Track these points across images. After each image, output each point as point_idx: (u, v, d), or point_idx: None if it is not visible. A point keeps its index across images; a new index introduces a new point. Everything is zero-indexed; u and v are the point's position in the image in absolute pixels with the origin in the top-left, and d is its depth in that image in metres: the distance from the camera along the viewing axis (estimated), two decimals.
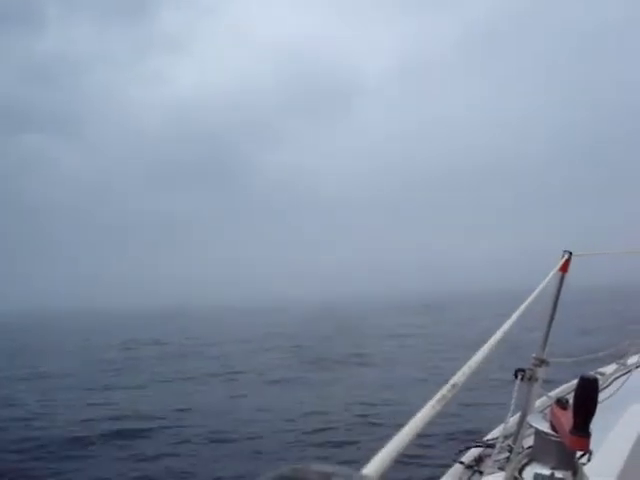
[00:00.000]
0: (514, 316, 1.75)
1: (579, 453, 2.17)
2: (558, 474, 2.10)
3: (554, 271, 2.86)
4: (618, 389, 3.74)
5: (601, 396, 3.55)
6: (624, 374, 4.13)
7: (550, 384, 3.55)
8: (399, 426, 0.75)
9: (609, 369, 4.36)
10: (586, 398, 2.02)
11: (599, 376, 4.12)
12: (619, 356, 4.35)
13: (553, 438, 2.13)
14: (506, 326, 1.55)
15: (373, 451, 0.66)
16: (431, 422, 0.83)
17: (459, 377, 1.05)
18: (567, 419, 2.06)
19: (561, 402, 2.20)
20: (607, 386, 3.94)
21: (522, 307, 1.89)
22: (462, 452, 3.09)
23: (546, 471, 2.12)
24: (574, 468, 2.12)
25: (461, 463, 2.96)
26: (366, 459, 0.64)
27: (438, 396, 0.92)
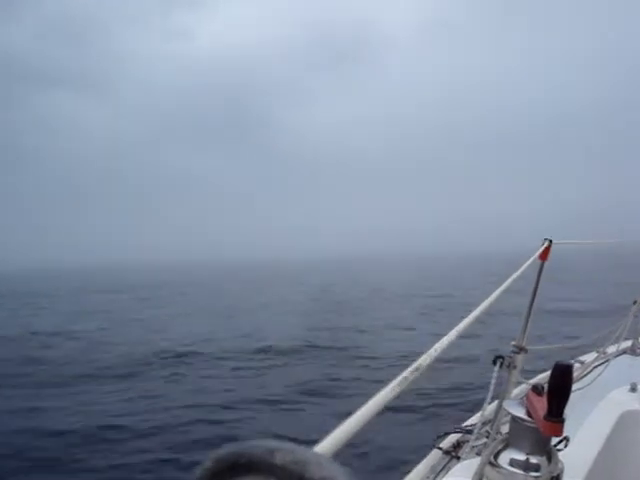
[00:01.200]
0: (486, 302, 1.74)
1: (557, 439, 2.19)
2: (533, 459, 2.12)
3: (533, 258, 2.87)
4: (597, 377, 3.77)
5: (580, 384, 3.59)
6: (603, 362, 4.16)
7: (529, 372, 3.57)
8: (356, 405, 0.75)
9: (589, 357, 4.39)
10: (560, 384, 2.03)
11: (579, 364, 4.15)
12: (599, 345, 4.37)
13: (528, 424, 2.15)
14: (476, 312, 1.54)
15: (328, 429, 0.66)
16: (389, 404, 0.83)
17: (424, 359, 1.04)
18: (542, 405, 2.08)
19: (536, 388, 2.22)
20: (586, 374, 3.97)
21: (495, 293, 1.89)
22: (440, 438, 3.11)
23: (521, 456, 2.14)
24: (549, 453, 2.13)
25: (439, 449, 2.98)
26: (321, 437, 0.64)
27: (400, 378, 0.91)
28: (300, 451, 0.53)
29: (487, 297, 1.88)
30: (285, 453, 0.53)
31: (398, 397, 0.86)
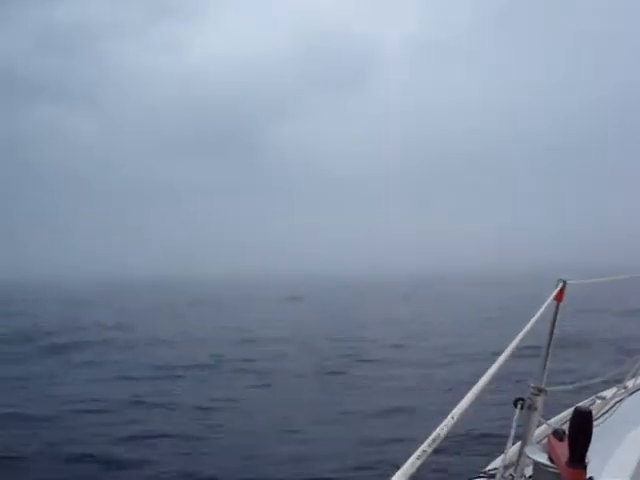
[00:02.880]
0: (503, 356, 1.76)
1: None
2: None
3: (549, 300, 2.89)
4: (618, 413, 3.74)
5: (601, 421, 3.56)
6: (624, 398, 4.13)
7: (551, 410, 3.55)
8: None
9: (609, 393, 4.35)
10: (580, 430, 2.04)
11: (600, 400, 4.11)
12: (619, 379, 4.34)
13: (551, 469, 2.15)
14: (493, 369, 1.55)
15: None
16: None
17: (441, 429, 1.05)
18: (563, 450, 2.08)
19: (558, 433, 2.22)
20: (608, 410, 3.93)
21: (512, 344, 1.90)
22: None
23: None
24: None
25: None
26: None
27: (418, 452, 0.92)
28: None
29: (508, 346, 1.90)
30: None
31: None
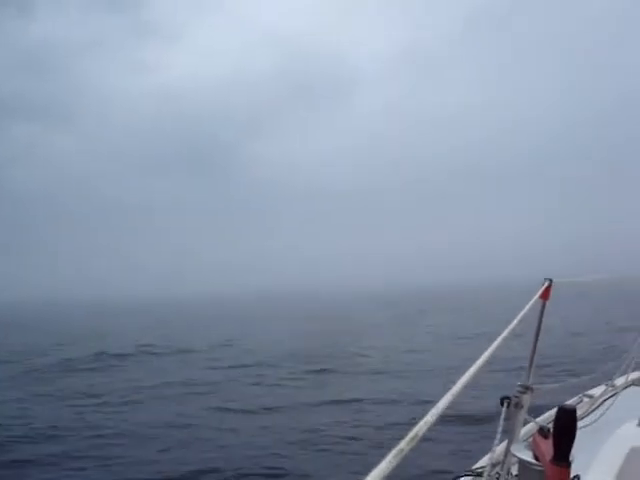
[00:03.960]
0: (486, 353, 1.76)
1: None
2: None
3: (535, 299, 2.90)
4: (606, 412, 3.76)
5: (588, 419, 3.58)
6: (611, 396, 4.15)
7: (538, 409, 3.56)
8: None
9: (597, 391, 4.37)
10: (564, 428, 2.05)
11: (587, 398, 4.14)
12: (606, 378, 4.36)
13: (535, 467, 2.16)
14: (474, 368, 1.55)
15: None
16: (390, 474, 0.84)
17: (420, 428, 1.05)
18: (548, 448, 2.09)
19: (543, 431, 2.23)
20: (594, 409, 3.96)
21: (496, 342, 1.91)
22: None
23: None
24: None
25: None
26: None
27: (395, 450, 0.92)
28: None
29: (493, 342, 1.90)
30: None
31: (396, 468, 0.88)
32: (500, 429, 2.87)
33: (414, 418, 1.09)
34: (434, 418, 1.11)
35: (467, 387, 1.42)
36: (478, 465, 3.27)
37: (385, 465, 0.86)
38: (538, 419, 3.42)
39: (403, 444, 0.95)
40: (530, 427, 3.35)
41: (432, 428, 1.10)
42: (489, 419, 9.06)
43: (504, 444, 3.00)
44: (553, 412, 3.72)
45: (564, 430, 2.05)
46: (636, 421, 3.28)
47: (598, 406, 4.00)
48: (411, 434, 0.99)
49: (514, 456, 2.79)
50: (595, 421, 3.56)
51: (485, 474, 2.95)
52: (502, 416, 2.85)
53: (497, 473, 2.98)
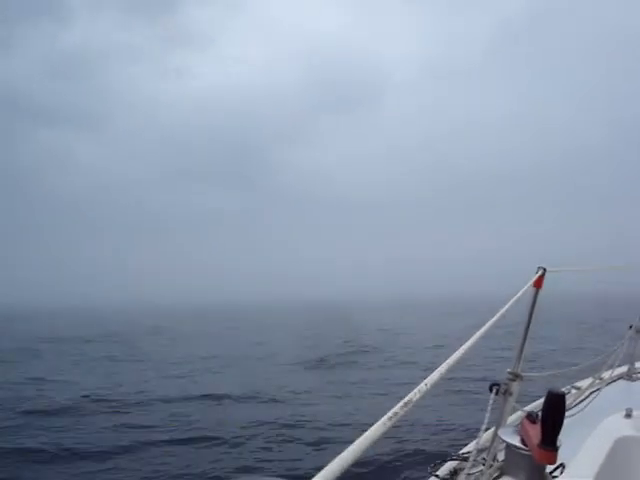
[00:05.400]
0: (479, 333, 1.77)
1: (553, 466, 2.22)
2: None
3: (527, 286, 2.91)
4: (593, 403, 3.79)
5: (576, 410, 3.61)
6: (599, 388, 4.18)
7: (526, 398, 3.59)
8: (347, 442, 0.78)
9: (585, 383, 4.40)
10: (553, 412, 2.06)
11: (575, 390, 4.17)
12: (595, 370, 4.39)
13: (523, 452, 2.17)
14: (469, 343, 1.57)
15: (319, 466, 0.69)
16: (380, 439, 0.86)
17: (414, 394, 1.07)
18: (536, 433, 2.10)
19: (531, 416, 2.25)
20: (582, 400, 3.98)
21: (489, 323, 1.92)
22: (438, 465, 3.11)
23: None
24: None
25: (436, 476, 2.98)
26: (311, 473, 0.67)
27: (390, 413, 0.94)
28: None
29: (482, 327, 1.91)
30: None
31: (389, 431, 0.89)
32: (488, 415, 2.89)
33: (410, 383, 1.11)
34: (427, 387, 1.13)
35: (458, 366, 1.43)
36: (464, 450, 3.29)
37: (380, 426, 0.88)
38: (526, 407, 3.44)
39: (397, 408, 0.97)
40: (518, 415, 3.37)
41: (419, 406, 1.12)
42: (477, 405, 9.13)
43: (491, 430, 3.02)
44: (541, 401, 3.75)
45: (552, 414, 2.06)
46: (622, 413, 3.31)
47: (585, 397, 4.03)
48: (405, 399, 1.02)
49: (501, 442, 2.81)
50: (582, 412, 3.59)
51: (471, 459, 2.97)
52: (490, 402, 2.87)
53: (483, 459, 3.00)
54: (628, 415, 3.27)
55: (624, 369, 4.95)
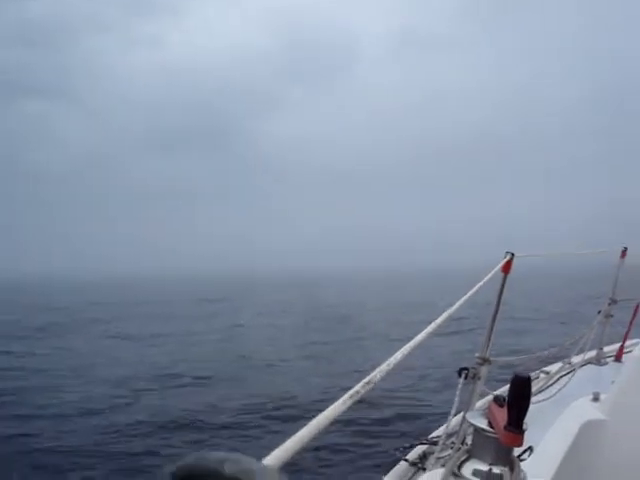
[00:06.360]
0: (444, 314, 1.78)
1: (521, 449, 2.24)
2: (495, 469, 2.15)
3: (495, 271, 2.93)
4: (562, 387, 3.84)
5: (545, 394, 3.66)
6: (568, 373, 4.24)
7: (494, 383, 3.63)
8: (307, 419, 0.78)
9: (554, 367, 4.46)
10: (519, 395, 2.07)
11: (544, 374, 4.22)
12: (564, 355, 4.45)
13: (490, 434, 2.19)
14: (434, 325, 1.58)
15: (276, 442, 0.69)
16: (338, 419, 0.86)
17: (375, 375, 1.07)
18: (502, 416, 2.12)
19: (498, 399, 2.26)
20: (552, 384, 4.04)
21: (455, 306, 1.93)
22: (407, 449, 3.14)
23: (484, 467, 2.17)
24: (512, 463, 2.17)
25: (405, 460, 3.01)
26: (269, 450, 0.67)
27: (351, 392, 0.94)
28: (248, 462, 0.57)
29: (446, 310, 1.92)
30: (234, 463, 0.57)
31: (350, 410, 0.89)
32: (457, 399, 2.92)
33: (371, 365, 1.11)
34: (389, 367, 1.14)
35: (421, 348, 1.43)
36: (433, 435, 3.33)
37: (340, 404, 0.88)
38: (495, 392, 3.48)
39: (358, 387, 0.97)
40: (487, 399, 3.41)
41: (386, 380, 1.12)
42: (445, 390, 9.24)
43: (460, 415, 3.05)
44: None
45: (518, 397, 2.07)
46: (590, 396, 3.36)
47: (555, 382, 4.09)
48: (366, 379, 1.02)
49: (469, 426, 2.84)
50: (551, 396, 3.64)
51: (440, 443, 3.00)
52: (459, 387, 2.90)
53: (452, 442, 3.03)
54: (595, 399, 3.31)
55: (593, 354, 5.03)
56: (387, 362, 1.14)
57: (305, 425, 0.77)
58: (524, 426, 2.10)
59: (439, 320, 1.67)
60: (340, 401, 0.89)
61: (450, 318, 1.78)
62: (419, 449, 3.13)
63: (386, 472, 2.91)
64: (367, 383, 1.01)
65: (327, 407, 0.85)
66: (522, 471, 2.18)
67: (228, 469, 0.57)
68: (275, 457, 0.67)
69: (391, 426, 8.87)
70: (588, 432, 2.95)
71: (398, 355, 1.21)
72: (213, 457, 0.58)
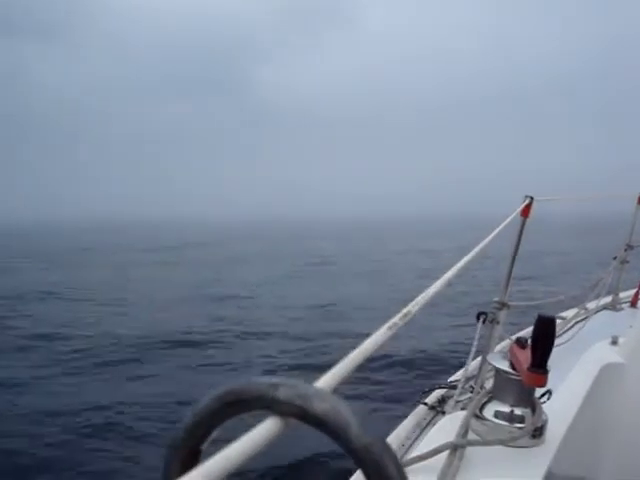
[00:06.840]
0: (472, 252, 1.76)
1: (540, 392, 2.25)
2: (517, 411, 2.17)
3: (514, 214, 2.89)
4: (578, 332, 3.84)
5: (562, 339, 3.65)
6: (584, 318, 4.24)
7: (512, 327, 3.63)
8: (351, 348, 0.77)
9: (570, 313, 4.46)
10: (543, 336, 2.07)
11: (560, 320, 4.22)
12: (580, 300, 4.45)
13: (512, 376, 2.19)
14: (462, 262, 1.56)
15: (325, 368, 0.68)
16: (381, 348, 0.85)
17: (413, 306, 1.07)
18: (525, 357, 2.12)
19: (520, 342, 2.26)
20: (568, 329, 4.04)
21: (479, 247, 1.91)
22: (426, 393, 3.16)
23: (506, 408, 2.19)
24: (533, 405, 2.18)
25: (425, 404, 3.03)
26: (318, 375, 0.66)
27: (389, 323, 0.93)
28: (302, 386, 0.55)
29: (473, 248, 1.90)
30: (288, 388, 0.55)
31: (390, 340, 0.89)
32: (475, 343, 2.92)
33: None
34: (425, 300, 1.13)
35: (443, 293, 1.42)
36: (453, 378, 3.34)
37: (380, 335, 0.87)
38: (513, 336, 3.49)
39: (396, 319, 0.96)
40: (505, 343, 3.42)
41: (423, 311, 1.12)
42: (463, 334, 9.32)
43: (479, 358, 3.05)
44: (527, 330, 3.80)
45: (543, 337, 2.07)
46: (609, 340, 3.36)
47: (571, 327, 4.09)
48: (404, 310, 1.01)
49: (489, 369, 2.85)
50: (568, 341, 3.64)
51: (459, 387, 3.01)
52: (478, 331, 2.90)
53: (471, 386, 3.04)
54: (614, 342, 3.31)
55: (608, 299, 5.03)
56: (422, 295, 1.13)
57: (350, 353, 0.77)
58: (547, 367, 2.10)
59: (467, 257, 1.65)
60: (379, 332, 0.88)
61: (476, 256, 1.76)
62: (437, 393, 3.14)
63: (405, 416, 2.93)
64: (405, 315, 1.00)
65: (367, 337, 0.84)
66: (543, 413, 2.19)
67: (283, 394, 0.55)
68: (326, 382, 0.66)
69: (407, 370, 8.99)
70: (607, 375, 2.95)
71: (432, 289, 1.20)
72: (264, 381, 0.56)
